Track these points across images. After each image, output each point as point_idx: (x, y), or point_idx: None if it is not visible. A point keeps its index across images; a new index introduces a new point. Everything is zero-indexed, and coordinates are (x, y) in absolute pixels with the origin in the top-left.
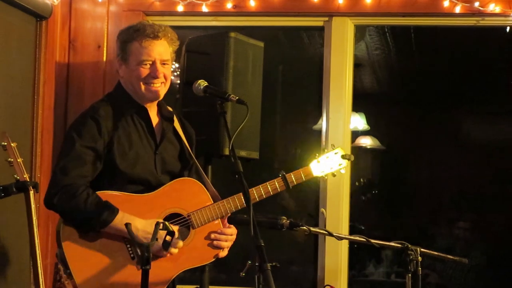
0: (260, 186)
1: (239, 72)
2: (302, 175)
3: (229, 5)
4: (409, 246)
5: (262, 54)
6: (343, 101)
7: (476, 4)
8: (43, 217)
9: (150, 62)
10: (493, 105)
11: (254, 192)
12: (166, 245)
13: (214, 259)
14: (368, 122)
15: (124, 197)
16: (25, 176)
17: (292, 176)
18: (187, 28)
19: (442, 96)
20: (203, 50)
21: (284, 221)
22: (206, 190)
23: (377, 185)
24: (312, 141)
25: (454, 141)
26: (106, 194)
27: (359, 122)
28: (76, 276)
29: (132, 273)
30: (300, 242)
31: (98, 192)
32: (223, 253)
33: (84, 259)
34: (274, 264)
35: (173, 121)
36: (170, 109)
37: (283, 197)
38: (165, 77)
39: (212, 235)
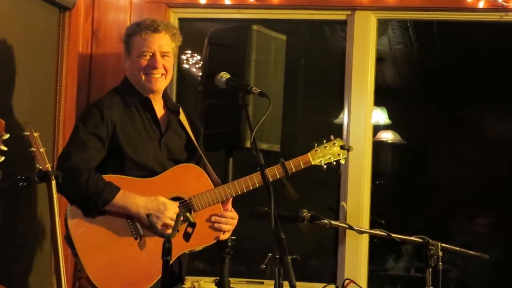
0: (259, 173)
1: (261, 65)
2: (301, 162)
3: None
4: (430, 241)
5: (284, 47)
6: (365, 95)
7: None
8: (64, 207)
9: (150, 54)
10: None
11: (254, 178)
12: (187, 236)
13: (215, 241)
14: (390, 116)
15: (127, 181)
16: (47, 166)
17: (291, 163)
18: (209, 21)
19: (463, 91)
20: (225, 43)
21: (305, 214)
22: (207, 176)
23: (397, 179)
24: (334, 135)
25: (475, 137)
26: (109, 177)
27: (380, 116)
28: (81, 255)
29: (135, 251)
30: (304, 233)
31: (103, 176)
32: (224, 236)
33: (89, 238)
34: (294, 256)
35: (179, 113)
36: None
37: (284, 187)
38: (165, 69)
39: (213, 218)
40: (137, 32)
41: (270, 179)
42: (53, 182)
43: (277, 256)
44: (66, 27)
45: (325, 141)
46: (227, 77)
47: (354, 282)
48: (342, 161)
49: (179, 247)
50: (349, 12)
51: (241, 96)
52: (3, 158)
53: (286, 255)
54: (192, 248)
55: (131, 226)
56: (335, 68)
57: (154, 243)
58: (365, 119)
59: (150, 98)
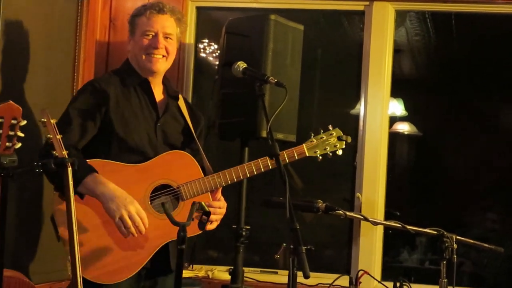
0: (251, 162)
1: (278, 54)
2: (295, 153)
3: None
4: (445, 233)
5: (301, 37)
6: (381, 87)
7: None
8: None
9: (153, 33)
10: None
11: (245, 168)
12: (202, 225)
13: (201, 231)
14: (406, 108)
15: (115, 166)
16: (63, 153)
17: (285, 154)
18: (227, 10)
19: (481, 83)
20: (243, 32)
21: (320, 204)
22: (197, 164)
23: (413, 171)
24: (350, 126)
25: (492, 128)
26: (96, 162)
27: (397, 108)
28: (64, 242)
29: (118, 238)
30: (308, 223)
31: (89, 160)
32: (211, 226)
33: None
34: (309, 247)
35: (177, 99)
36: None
37: (291, 176)
38: (167, 51)
39: None
40: (142, 12)
41: (262, 170)
42: (69, 169)
43: (291, 246)
44: (84, 14)
45: (322, 131)
46: (244, 66)
47: (368, 274)
48: (339, 152)
49: (166, 235)
50: (367, 3)
51: (258, 85)
52: (19, 144)
53: (301, 246)
54: (173, 238)
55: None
56: (352, 59)
57: (146, 231)
58: (381, 110)
59: (149, 80)
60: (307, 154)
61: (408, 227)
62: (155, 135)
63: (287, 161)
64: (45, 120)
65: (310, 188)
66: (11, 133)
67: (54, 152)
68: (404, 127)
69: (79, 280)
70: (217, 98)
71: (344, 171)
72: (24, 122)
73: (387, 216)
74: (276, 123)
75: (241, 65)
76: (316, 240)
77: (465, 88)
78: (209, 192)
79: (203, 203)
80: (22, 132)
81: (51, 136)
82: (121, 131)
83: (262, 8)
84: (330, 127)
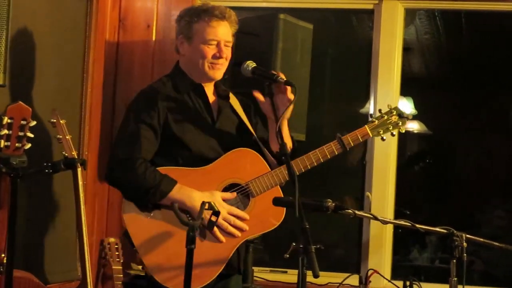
0: (317, 150)
1: (287, 54)
2: (359, 136)
3: None
4: (455, 232)
5: (311, 36)
6: (391, 85)
7: None
8: (90, 194)
9: (216, 43)
10: None
11: (311, 156)
12: (211, 224)
13: (276, 225)
14: (416, 106)
15: (181, 172)
16: (73, 153)
17: (349, 138)
18: (236, 9)
19: (491, 81)
20: (252, 31)
21: (329, 203)
22: (262, 158)
23: (423, 170)
24: (359, 125)
25: (502, 127)
26: (164, 169)
27: (406, 106)
28: (140, 251)
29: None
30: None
31: (158, 168)
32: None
33: (146, 233)
34: (318, 246)
35: (228, 98)
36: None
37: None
38: (226, 58)
39: None
40: (202, 18)
41: (328, 156)
42: (79, 170)
43: (301, 246)
44: (93, 15)
45: (381, 110)
46: (253, 65)
47: (378, 273)
48: (402, 130)
49: (243, 234)
50: (376, 1)
51: (267, 85)
52: (29, 145)
53: (310, 245)
54: (255, 234)
55: (190, 219)
56: (362, 57)
57: (213, 237)
58: None
59: (202, 85)
60: (371, 135)
61: (418, 226)
62: (214, 139)
63: (352, 144)
64: (55, 120)
65: (319, 187)
66: (21, 133)
67: (63, 153)
68: (414, 126)
69: (89, 280)
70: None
71: (354, 170)
72: (33, 123)
73: (397, 215)
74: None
75: (251, 64)
76: (326, 239)
77: (474, 86)
78: (279, 186)
79: (212, 202)
80: (31, 132)
81: (61, 136)
82: (181, 138)
83: (272, 8)
84: (389, 105)
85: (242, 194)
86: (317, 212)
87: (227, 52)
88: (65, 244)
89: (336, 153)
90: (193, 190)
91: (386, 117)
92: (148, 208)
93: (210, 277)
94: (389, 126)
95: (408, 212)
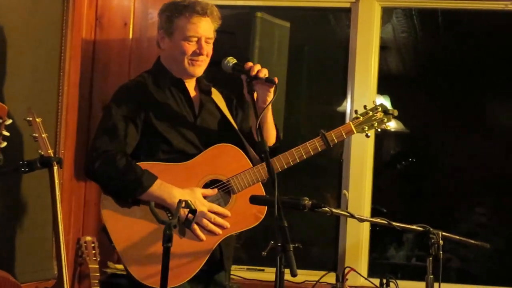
0: (300, 146)
1: (264, 52)
2: (343, 132)
3: None
4: (431, 229)
5: (288, 34)
6: (368, 83)
7: None
8: (66, 193)
9: (196, 39)
10: None
11: (294, 153)
12: (188, 223)
13: (258, 222)
14: (393, 105)
15: (162, 167)
16: (49, 151)
17: (332, 134)
18: None
19: (468, 80)
20: (229, 30)
21: (306, 202)
22: (244, 155)
23: (400, 168)
24: (336, 123)
25: (479, 126)
26: (144, 164)
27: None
28: (118, 245)
29: (174, 242)
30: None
31: (139, 163)
32: None
33: (125, 230)
34: (296, 245)
35: (211, 93)
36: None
37: None
38: (207, 55)
39: None
40: (183, 13)
41: (311, 152)
42: (55, 168)
43: (279, 244)
44: (70, 13)
45: (366, 106)
46: (234, 62)
47: (355, 270)
48: (388, 127)
49: (224, 231)
50: (353, 0)
51: (248, 81)
52: (5, 143)
53: (288, 243)
54: (236, 231)
55: (169, 215)
56: (339, 56)
57: (192, 234)
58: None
59: (183, 80)
60: (355, 132)
61: (394, 223)
62: (195, 134)
63: (336, 141)
64: (31, 118)
65: (296, 185)
66: None
67: (39, 151)
68: (390, 124)
69: (65, 279)
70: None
71: (330, 168)
72: (9, 121)
73: (374, 213)
74: None
75: (231, 60)
76: (303, 238)
77: (452, 84)
78: (260, 183)
79: (189, 201)
80: (7, 131)
81: (37, 134)
82: (162, 133)
83: (249, 6)
84: (374, 102)
85: (223, 190)
86: (294, 210)
87: (208, 49)
88: (41, 242)
89: (320, 150)
90: (173, 187)
91: (371, 113)
92: (128, 204)
93: (189, 274)
94: (374, 122)
95: (385, 210)
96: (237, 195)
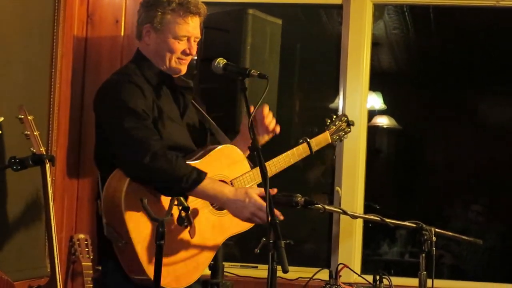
0: (288, 152)
1: (256, 49)
2: (322, 140)
3: None
4: (424, 226)
5: (280, 31)
6: (360, 80)
7: None
8: (59, 191)
9: (186, 38)
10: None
11: (283, 158)
12: (181, 220)
13: (253, 225)
14: (385, 101)
15: None
16: (41, 149)
17: (314, 142)
18: (205, 4)
19: (460, 76)
20: (221, 27)
21: (299, 199)
22: (244, 156)
23: (393, 164)
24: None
25: (471, 122)
26: None
27: (376, 101)
28: (137, 245)
29: (185, 241)
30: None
31: None
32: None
33: (145, 230)
34: (288, 241)
35: (191, 90)
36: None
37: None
38: (192, 54)
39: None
40: (176, 11)
41: (297, 158)
42: (47, 166)
43: (271, 241)
44: (61, 10)
45: (335, 117)
46: (224, 62)
47: (348, 267)
48: (346, 137)
49: (224, 232)
50: None
51: (240, 80)
52: None
53: (280, 240)
54: (236, 233)
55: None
56: (331, 52)
57: (203, 233)
58: (360, 104)
59: (173, 76)
60: (330, 141)
61: (387, 220)
62: (184, 131)
63: (316, 148)
64: (22, 116)
65: (289, 181)
66: None
67: (31, 149)
68: (383, 121)
69: (58, 277)
70: (196, 93)
71: (323, 164)
72: (1, 119)
73: (367, 210)
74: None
75: (221, 61)
76: (296, 234)
77: (443, 81)
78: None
79: (182, 198)
80: None
81: (29, 132)
82: (161, 129)
83: (240, 3)
84: (339, 114)
85: None
86: (287, 207)
87: (195, 48)
88: (34, 240)
89: (304, 156)
90: (224, 185)
91: (339, 123)
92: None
93: (200, 272)
94: (341, 132)
95: (377, 207)
96: None
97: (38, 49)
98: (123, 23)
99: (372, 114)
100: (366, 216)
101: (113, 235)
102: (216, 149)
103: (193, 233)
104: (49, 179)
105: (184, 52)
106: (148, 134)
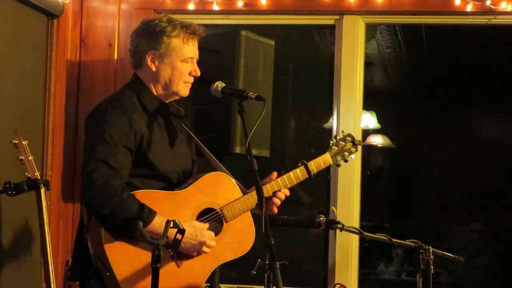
0: (284, 176)
1: (250, 70)
2: (321, 162)
3: (240, 4)
4: (423, 245)
5: (273, 52)
6: (354, 100)
7: (488, 2)
8: (54, 215)
9: (191, 60)
10: (505, 104)
11: (280, 182)
12: (177, 243)
13: (246, 251)
14: (379, 120)
15: (158, 195)
16: (36, 174)
17: (313, 164)
18: None
19: (453, 94)
20: (214, 49)
21: (321, 219)
22: (234, 183)
23: (388, 183)
24: (323, 140)
25: (465, 140)
26: (140, 193)
27: (370, 120)
28: (119, 275)
29: (173, 270)
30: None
31: (135, 192)
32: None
33: (127, 261)
34: (283, 262)
35: (182, 117)
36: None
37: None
38: (198, 75)
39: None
40: (180, 34)
41: (294, 182)
42: (42, 190)
43: (267, 262)
44: (54, 34)
45: (338, 137)
46: (223, 85)
47: (345, 287)
48: (352, 157)
49: (216, 259)
50: (337, 17)
51: (238, 102)
52: None
53: (275, 261)
54: (228, 260)
55: (171, 253)
56: (324, 72)
57: (191, 262)
58: (354, 123)
59: (168, 104)
60: (331, 162)
61: (394, 240)
62: (174, 159)
63: (315, 171)
64: (17, 141)
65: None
66: None
67: (26, 174)
68: (377, 140)
69: None
70: (190, 115)
71: (318, 185)
72: None
73: (362, 229)
74: (250, 138)
75: (220, 85)
76: (292, 255)
77: (437, 99)
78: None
79: (177, 220)
80: None
81: (23, 157)
82: (153, 161)
83: (233, 25)
84: (343, 132)
85: (217, 220)
86: (308, 228)
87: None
88: (30, 265)
89: (302, 179)
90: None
91: (343, 143)
92: (126, 235)
93: None
94: (345, 153)
95: (388, 226)
96: (229, 223)
97: (31, 73)
98: (116, 47)
99: (366, 133)
100: (376, 236)
101: (99, 265)
102: (205, 175)
103: (179, 265)
104: (44, 203)
105: (191, 74)
106: (110, 174)
